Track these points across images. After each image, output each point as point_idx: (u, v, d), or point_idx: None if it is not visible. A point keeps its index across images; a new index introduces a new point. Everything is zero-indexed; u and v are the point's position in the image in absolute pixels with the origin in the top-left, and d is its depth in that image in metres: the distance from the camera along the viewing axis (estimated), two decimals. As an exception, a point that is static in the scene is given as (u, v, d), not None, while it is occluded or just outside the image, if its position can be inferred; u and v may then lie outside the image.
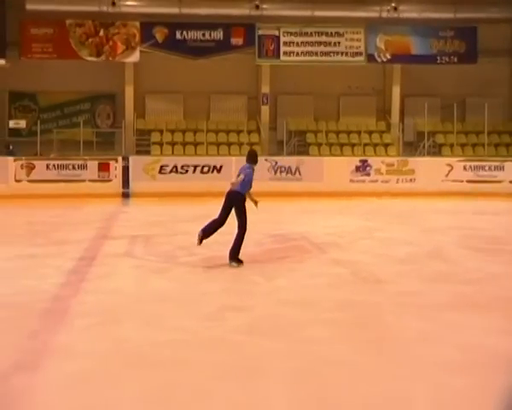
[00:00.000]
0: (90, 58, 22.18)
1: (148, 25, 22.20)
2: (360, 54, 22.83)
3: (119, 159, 20.81)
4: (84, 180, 20.44)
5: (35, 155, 21.06)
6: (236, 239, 9.37)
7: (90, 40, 21.96)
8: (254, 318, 6.79)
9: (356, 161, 21.67)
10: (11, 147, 22.02)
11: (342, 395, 4.76)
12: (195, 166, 20.81)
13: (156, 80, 23.24)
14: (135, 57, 22.33)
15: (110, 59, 22.30)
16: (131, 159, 20.93)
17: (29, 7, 21.15)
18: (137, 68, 23.00)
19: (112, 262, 9.88)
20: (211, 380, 5.00)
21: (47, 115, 23.27)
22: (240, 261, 9.37)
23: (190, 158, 21.34)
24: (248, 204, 9.69)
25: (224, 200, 9.49)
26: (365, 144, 23.22)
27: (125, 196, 20.32)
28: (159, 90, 23.55)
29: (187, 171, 20.71)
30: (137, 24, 22.12)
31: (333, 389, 4.88)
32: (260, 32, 22.70)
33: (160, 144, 22.64)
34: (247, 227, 9.41)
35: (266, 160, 21.08)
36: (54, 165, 20.46)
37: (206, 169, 20.85)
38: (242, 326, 6.45)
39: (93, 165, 20.56)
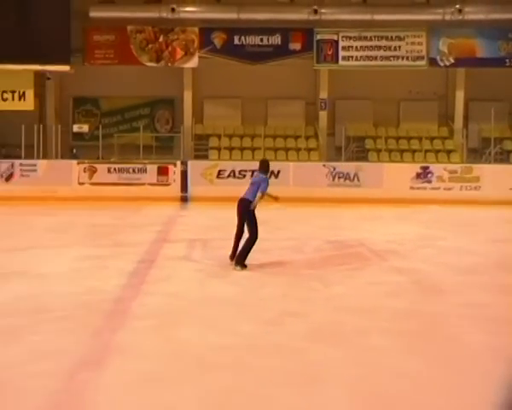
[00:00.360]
0: (149, 64, 22.50)
1: (206, 30, 22.38)
2: (422, 58, 22.45)
3: (178, 163, 21.04)
4: (143, 184, 20.71)
5: (97, 159, 21.49)
6: (245, 244, 9.60)
7: (150, 46, 22.28)
8: (313, 324, 6.79)
9: (417, 167, 21.29)
10: (75, 151, 22.58)
11: (403, 407, 4.73)
12: (253, 171, 20.63)
13: (214, 85, 23.41)
14: (193, 63, 22.54)
15: (169, 64, 22.57)
16: (190, 163, 21.13)
17: (92, 14, 21.67)
18: (196, 74, 23.22)
19: (171, 265, 10.02)
20: (270, 386, 5.03)
21: (108, 120, 23.74)
22: (244, 266, 9.54)
23: (248, 163, 21.31)
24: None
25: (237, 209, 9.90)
26: (426, 151, 22.79)
27: (184, 199, 20.50)
28: (217, 95, 23.72)
29: (244, 176, 20.70)
30: (196, 30, 22.33)
31: (393, 400, 4.84)
32: (319, 37, 22.60)
33: (218, 149, 22.81)
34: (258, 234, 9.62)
35: (324, 165, 21.00)
36: (115, 168, 20.85)
37: (264, 174, 20.78)
38: (302, 332, 6.46)
39: (152, 169, 20.85)
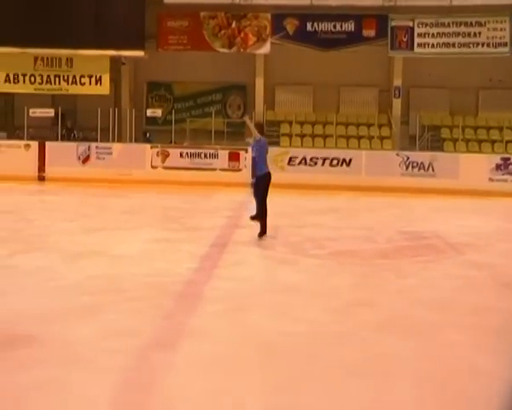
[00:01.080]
0: (222, 50, 22.61)
1: (278, 16, 22.31)
2: (504, 44, 21.63)
3: (249, 149, 21.07)
4: (215, 169, 20.91)
5: (169, 143, 21.83)
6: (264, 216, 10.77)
7: (223, 32, 22.38)
8: (385, 315, 6.68)
9: (497, 158, 20.67)
10: (148, 135, 23.01)
11: (473, 404, 4.60)
12: (324, 159, 20.73)
13: (286, 72, 23.34)
14: (265, 49, 22.51)
15: (241, 50, 22.62)
16: (253, 149, 21.17)
17: (166, 0, 21.96)
18: (268, 60, 23.20)
19: (242, 250, 10.06)
20: (338, 375, 4.99)
21: (181, 105, 24.04)
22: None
23: (319, 150, 21.28)
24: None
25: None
26: (508, 141, 22.09)
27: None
28: (288, 81, 23.66)
29: (316, 163, 20.68)
30: (268, 16, 22.28)
31: (463, 396, 4.70)
32: (393, 24, 22.16)
33: (289, 136, 22.78)
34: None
35: (397, 154, 20.69)
36: (187, 153, 21.13)
37: (335, 162, 20.71)
38: (372, 323, 6.35)
39: (224, 154, 21.02)
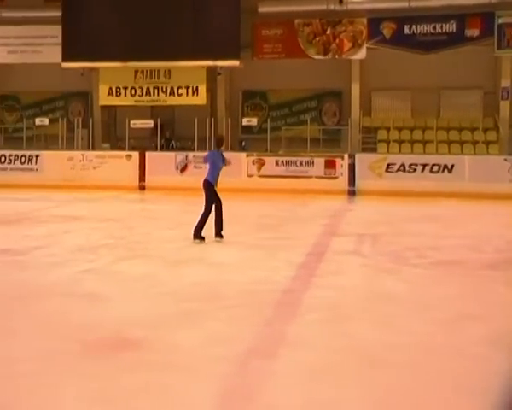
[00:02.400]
0: (317, 56, 22.57)
1: (375, 21, 22.04)
2: None
3: (346, 156, 20.98)
4: (310, 176, 20.88)
5: (265, 152, 21.99)
6: (200, 219, 10.74)
7: (318, 39, 22.33)
8: (495, 330, 6.36)
9: None
10: (244, 143, 23.27)
11: None
12: (424, 165, 20.27)
13: (383, 77, 23.00)
14: (361, 54, 22.30)
15: (337, 57, 22.50)
16: (357, 156, 21.01)
17: (261, 10, 22.20)
18: (364, 65, 22.95)
19: (340, 259, 9.94)
20: (446, 390, 4.81)
21: (276, 113, 24.18)
22: (202, 238, 10.71)
23: (419, 156, 20.83)
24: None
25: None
26: None
27: (351, 193, 20.43)
28: (385, 86, 23.32)
29: (415, 170, 20.26)
30: (364, 21, 22.05)
31: None
32: (500, 21, 21.21)
33: (387, 142, 22.45)
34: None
35: (506, 160, 19.89)
36: (282, 161, 21.22)
37: (435, 168, 20.19)
38: (482, 337, 6.07)
39: (319, 162, 20.94)
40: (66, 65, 23.35)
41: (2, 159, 23.14)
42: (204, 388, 4.79)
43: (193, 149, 22.21)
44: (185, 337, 5.92)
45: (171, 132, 24.04)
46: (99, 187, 20.96)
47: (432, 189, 19.31)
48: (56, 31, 23.39)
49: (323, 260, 9.96)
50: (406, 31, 21.83)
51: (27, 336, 6.01)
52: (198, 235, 10.68)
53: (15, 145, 24.28)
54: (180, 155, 21.84)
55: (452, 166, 19.92)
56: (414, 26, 21.76)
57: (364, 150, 22.14)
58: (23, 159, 23.02)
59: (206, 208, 10.77)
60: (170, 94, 22.97)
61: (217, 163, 11.10)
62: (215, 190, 10.97)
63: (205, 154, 11.39)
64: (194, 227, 10.66)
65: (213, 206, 10.83)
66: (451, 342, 6.00)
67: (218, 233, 10.90)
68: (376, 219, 14.73)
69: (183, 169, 21.65)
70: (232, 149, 22.81)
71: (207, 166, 11.24)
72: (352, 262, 9.76)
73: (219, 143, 11.74)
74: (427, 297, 7.73)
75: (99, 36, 22.63)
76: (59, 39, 23.35)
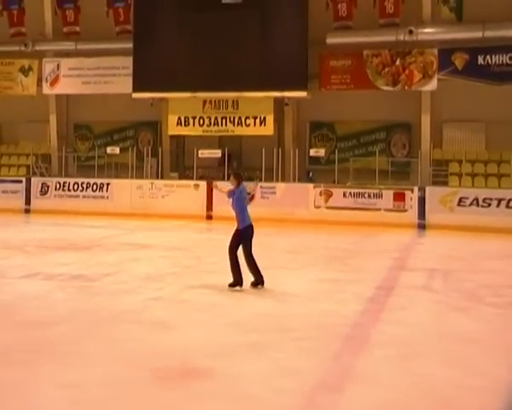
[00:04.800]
0: (386, 88, 22.40)
1: (446, 51, 21.74)
2: None
3: (415, 189, 20.69)
4: (379, 209, 20.67)
5: (332, 183, 21.93)
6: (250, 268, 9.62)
7: (387, 70, 22.18)
8: None
9: None
10: (311, 174, 23.23)
11: None
12: (500, 200, 19.69)
13: (454, 108, 22.62)
14: (432, 85, 22.00)
15: (406, 88, 22.27)
16: (428, 189, 20.69)
17: (329, 41, 22.23)
18: (434, 96, 22.62)
19: (410, 294, 9.82)
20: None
21: (344, 144, 24.10)
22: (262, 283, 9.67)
23: (494, 191, 20.30)
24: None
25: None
26: None
27: (421, 227, 20.11)
28: (457, 118, 22.91)
29: (489, 204, 19.74)
30: (435, 51, 21.80)
31: None
32: None
33: (459, 175, 22.01)
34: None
35: None
36: (350, 193, 21.11)
37: (512, 204, 19.73)
38: None
39: (388, 194, 20.74)
40: (136, 95, 23.94)
41: (75, 186, 23.81)
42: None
43: (260, 179, 22.34)
44: (252, 368, 5.95)
45: (238, 163, 24.25)
46: (167, 216, 21.30)
47: (508, 225, 18.73)
48: (128, 62, 24.05)
49: (393, 294, 9.86)
50: (480, 61, 21.44)
51: (97, 362, 6.15)
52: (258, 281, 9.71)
53: (87, 173, 24.94)
54: (249, 185, 21.97)
55: (526, 202, 19.41)
56: (488, 57, 21.35)
57: (435, 183, 21.75)
58: (94, 187, 23.65)
59: (245, 255, 9.63)
60: (237, 124, 23.21)
61: (242, 201, 9.82)
62: (247, 237, 9.80)
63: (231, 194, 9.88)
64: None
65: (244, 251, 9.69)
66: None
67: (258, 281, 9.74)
68: (448, 255, 14.44)
69: (251, 199, 21.72)
70: (299, 180, 22.82)
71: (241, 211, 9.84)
72: (422, 298, 9.60)
73: (238, 177, 10.09)
74: (503, 339, 7.52)
75: (168, 67, 23.12)
76: (130, 70, 23.98)
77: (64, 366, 6.03)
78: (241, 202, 9.71)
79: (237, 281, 9.47)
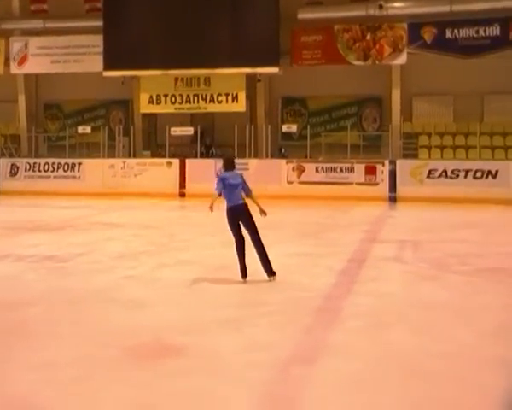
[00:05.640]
0: (356, 62, 22.41)
1: (415, 25, 21.78)
2: None
3: (386, 162, 20.83)
4: (351, 183, 20.81)
5: (305, 158, 21.97)
6: (262, 255, 8.63)
7: (357, 44, 22.19)
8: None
9: None
10: (283, 150, 23.26)
11: None
12: (467, 171, 19.96)
13: (424, 82, 22.75)
14: (402, 59, 22.07)
15: (377, 62, 22.30)
16: (398, 162, 20.84)
17: (300, 16, 22.16)
18: (404, 71, 22.71)
19: (381, 266, 9.88)
20: (490, 405, 4.71)
21: (315, 119, 24.14)
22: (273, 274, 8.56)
23: (461, 162, 20.54)
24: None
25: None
26: None
27: (392, 200, 20.27)
28: (427, 92, 23.06)
29: (457, 175, 19.99)
30: (405, 25, 21.82)
31: None
32: (547, 22, 20.85)
33: (428, 148, 22.20)
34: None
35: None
36: (322, 168, 21.18)
37: (479, 174, 19.89)
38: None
39: (360, 168, 20.86)
40: (107, 74, 23.69)
41: (46, 167, 23.61)
42: (244, 394, 4.81)
43: (233, 156, 22.30)
44: (225, 344, 5.96)
45: (211, 139, 24.21)
46: (140, 194, 21.24)
47: (475, 195, 19.03)
48: (98, 40, 23.77)
49: (364, 266, 9.91)
50: (448, 35, 21.51)
51: (70, 341, 6.13)
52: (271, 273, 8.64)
53: (58, 153, 24.76)
54: (220, 162, 21.94)
55: (497, 171, 19.60)
56: (456, 31, 21.43)
57: (405, 156, 21.90)
58: (66, 167, 23.45)
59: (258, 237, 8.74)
60: (210, 101, 23.11)
61: (239, 185, 8.86)
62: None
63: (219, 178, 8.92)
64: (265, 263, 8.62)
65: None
66: (497, 353, 5.85)
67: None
68: (417, 226, 14.58)
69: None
70: (272, 156, 22.87)
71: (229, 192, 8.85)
72: (392, 269, 9.70)
73: (231, 164, 9.17)
74: (470, 306, 7.62)
75: (139, 45, 22.93)
76: (100, 49, 23.71)
77: (37, 346, 5.99)
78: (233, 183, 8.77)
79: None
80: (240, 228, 8.70)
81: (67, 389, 4.95)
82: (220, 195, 8.76)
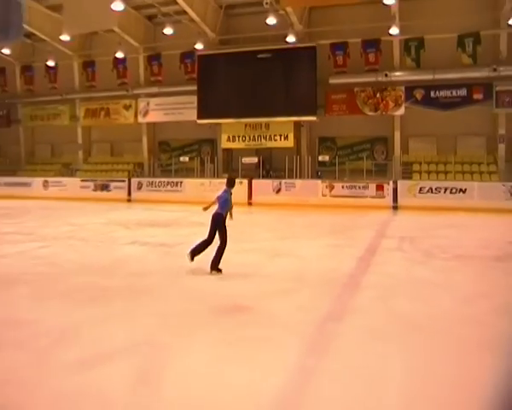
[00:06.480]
0: (369, 113, 22.12)
1: (410, 88, 21.38)
2: None
3: (390, 182, 20.40)
4: (366, 196, 20.42)
5: (334, 179, 21.71)
6: (217, 252, 7.62)
7: (370, 101, 21.94)
8: (500, 304, 6.02)
9: None
10: (319, 173, 23.08)
11: None
12: (446, 188, 19.43)
13: (416, 127, 22.19)
14: (401, 111, 21.66)
15: (383, 113, 21.96)
16: (399, 182, 20.39)
17: (331, 81, 22.09)
18: (403, 119, 22.21)
19: (387, 254, 9.72)
20: (466, 349, 4.58)
21: (342, 152, 23.81)
22: (219, 270, 7.58)
23: (442, 182, 19.97)
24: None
25: (210, 221, 7.78)
26: None
27: (395, 208, 19.85)
28: (418, 134, 22.47)
29: (439, 191, 19.46)
30: (402, 88, 21.47)
31: None
32: (497, 89, 20.21)
33: (419, 172, 21.62)
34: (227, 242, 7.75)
35: (503, 185, 18.85)
36: (346, 185, 20.86)
37: (454, 190, 19.29)
38: (490, 310, 5.76)
39: (372, 186, 20.46)
40: (199, 121, 24.00)
41: (159, 184, 24.02)
42: (292, 340, 4.81)
43: (284, 177, 22.30)
44: (280, 306, 5.96)
45: (269, 166, 24.20)
46: (221, 203, 21.32)
47: (451, 205, 18.55)
48: (193, 99, 24.07)
49: (376, 254, 9.75)
50: (432, 95, 21.07)
51: (176, 300, 6.25)
52: (216, 267, 7.64)
53: (167, 175, 25.17)
54: (276, 182, 21.95)
55: (465, 189, 19.04)
56: (437, 92, 20.97)
57: (403, 178, 21.39)
58: (172, 184, 23.82)
59: (222, 241, 7.72)
60: (268, 140, 23.13)
61: (229, 201, 8.02)
62: (225, 224, 7.88)
63: (219, 194, 8.12)
64: (211, 261, 7.63)
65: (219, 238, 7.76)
66: (468, 312, 5.78)
67: (215, 266, 7.63)
68: (412, 226, 14.25)
69: (278, 191, 21.75)
70: (311, 178, 22.68)
71: (219, 202, 8.03)
72: (395, 256, 9.50)
73: (231, 183, 8.24)
74: (450, 281, 7.42)
75: (221, 102, 23.14)
76: (195, 104, 24.01)
77: (154, 301, 6.13)
78: (229, 199, 8.04)
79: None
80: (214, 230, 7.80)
81: (175, 331, 5.04)
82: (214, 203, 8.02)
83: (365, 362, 4.30)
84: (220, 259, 7.63)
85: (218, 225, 7.72)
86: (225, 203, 7.86)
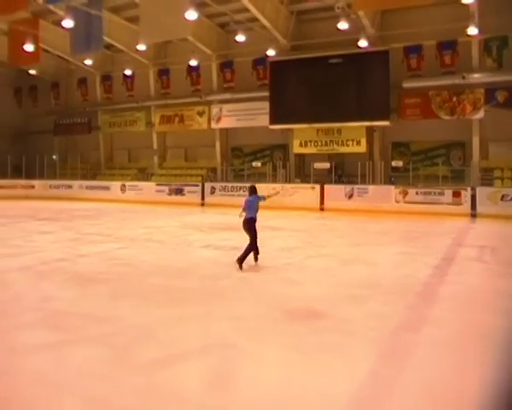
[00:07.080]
0: (446, 117, 21.28)
1: (490, 90, 20.28)
2: None
3: (468, 189, 19.49)
4: (442, 203, 19.65)
5: (408, 185, 21.09)
6: (245, 250, 8.40)
7: (446, 104, 21.11)
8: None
9: None
10: (393, 179, 22.51)
11: None
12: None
13: (497, 131, 20.97)
14: (480, 115, 20.59)
15: (461, 117, 21.02)
16: (478, 189, 19.43)
17: (405, 85, 21.56)
18: (482, 123, 21.13)
19: (465, 264, 9.32)
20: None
21: (416, 158, 23.07)
22: (241, 267, 8.22)
23: (527, 190, 18.81)
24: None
25: (243, 228, 8.63)
26: None
27: (473, 216, 18.91)
28: (500, 138, 21.26)
29: (525, 200, 18.35)
30: (482, 90, 20.42)
31: None
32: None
33: (502, 179, 20.47)
34: (256, 244, 8.56)
35: None
36: (421, 192, 20.18)
37: (540, 198, 18.11)
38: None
39: (448, 193, 19.66)
40: (272, 127, 24.21)
41: (232, 188, 24.47)
42: (364, 348, 4.79)
43: (357, 183, 21.97)
44: (353, 312, 5.93)
45: (341, 171, 23.93)
46: (293, 208, 21.43)
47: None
48: (265, 105, 24.33)
49: (453, 263, 9.38)
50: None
51: (249, 303, 6.33)
52: (240, 262, 8.31)
53: (240, 180, 25.54)
54: (348, 187, 21.67)
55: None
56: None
57: (483, 185, 20.32)
58: (244, 189, 24.01)
59: (251, 242, 8.50)
60: (341, 145, 22.90)
61: (255, 205, 8.67)
62: (255, 226, 8.60)
63: (248, 198, 8.75)
64: (238, 257, 8.37)
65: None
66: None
67: (240, 262, 8.34)
68: (494, 236, 13.53)
69: (350, 196, 21.47)
70: (385, 183, 22.17)
71: (247, 209, 8.69)
72: (474, 266, 9.10)
73: (255, 190, 8.88)
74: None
75: (293, 107, 23.21)
76: (267, 110, 24.24)
77: (227, 305, 6.24)
78: (251, 204, 8.70)
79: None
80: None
81: (248, 335, 5.14)
82: (244, 211, 8.76)
83: (440, 375, 4.19)
84: (246, 256, 8.37)
85: (249, 228, 8.50)
86: (253, 207, 8.59)
